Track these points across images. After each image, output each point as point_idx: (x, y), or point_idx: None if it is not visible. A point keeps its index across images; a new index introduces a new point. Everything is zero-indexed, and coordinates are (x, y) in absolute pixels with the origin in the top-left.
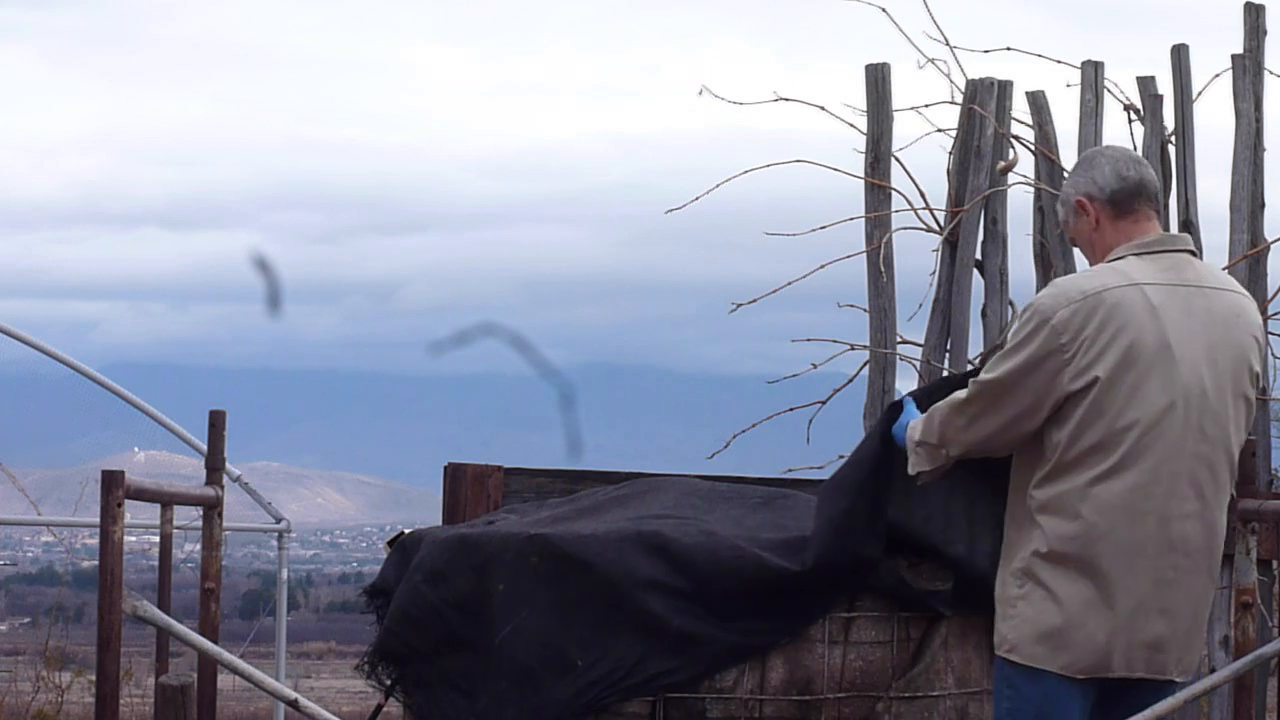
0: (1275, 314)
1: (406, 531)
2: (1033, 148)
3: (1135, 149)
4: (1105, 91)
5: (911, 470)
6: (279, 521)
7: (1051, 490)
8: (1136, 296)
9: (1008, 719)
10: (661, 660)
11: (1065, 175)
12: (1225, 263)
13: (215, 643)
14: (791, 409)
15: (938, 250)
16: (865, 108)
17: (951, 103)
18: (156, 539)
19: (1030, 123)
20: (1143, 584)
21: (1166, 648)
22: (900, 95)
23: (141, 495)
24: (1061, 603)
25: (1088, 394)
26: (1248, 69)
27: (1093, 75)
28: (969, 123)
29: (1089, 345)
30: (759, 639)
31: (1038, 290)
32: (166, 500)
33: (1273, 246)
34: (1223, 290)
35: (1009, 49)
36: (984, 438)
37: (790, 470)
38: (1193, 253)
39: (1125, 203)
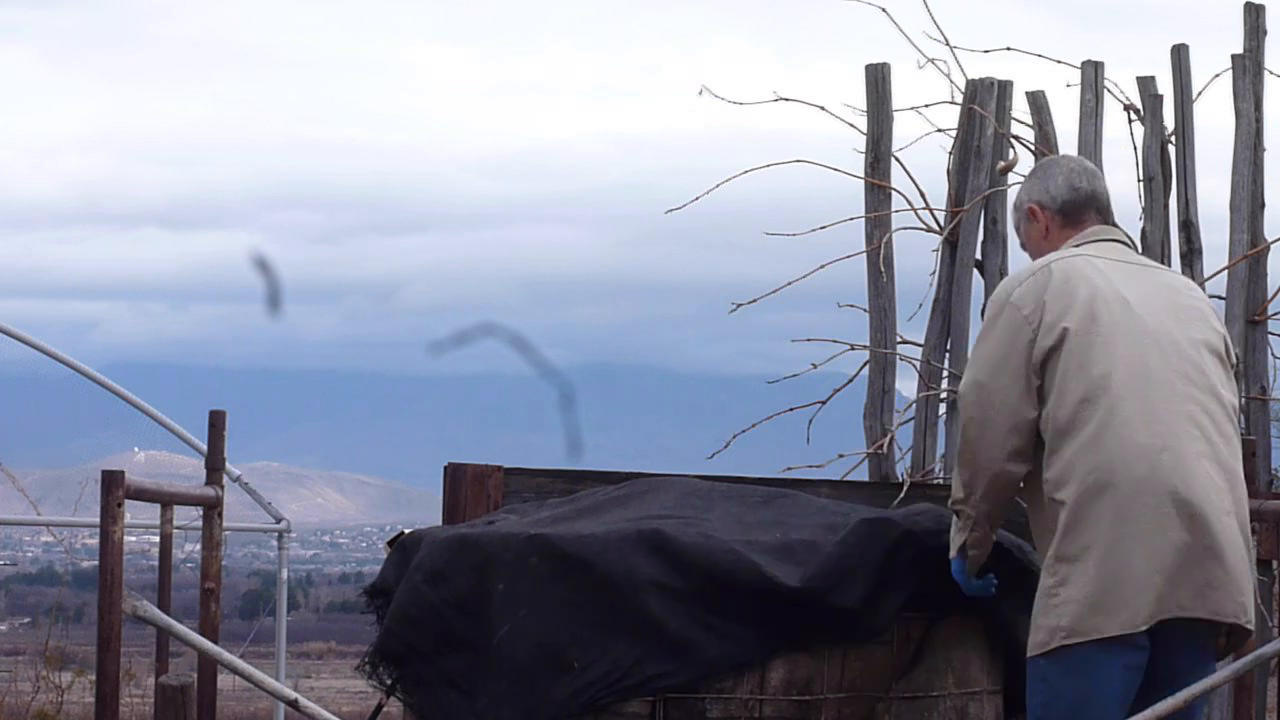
0: (1275, 314)
1: (406, 531)
2: (1033, 148)
3: (1135, 149)
4: (1105, 91)
5: (954, 550)
6: (279, 521)
7: (1059, 462)
8: (1084, 264)
9: (1041, 711)
10: (658, 663)
11: None
12: (1225, 263)
13: (215, 643)
14: (791, 409)
15: (938, 250)
16: (865, 108)
17: (951, 103)
18: (156, 539)
19: (1030, 123)
20: (1174, 521)
21: (1217, 584)
22: (900, 95)
23: (141, 495)
24: (1102, 563)
25: (1061, 348)
26: (1248, 69)
27: (1093, 75)
28: (969, 123)
29: (1051, 305)
30: (752, 651)
31: None
32: (166, 500)
33: (1273, 246)
34: (1165, 270)
35: (1009, 49)
36: (995, 445)
37: (790, 470)
38: (1130, 244)
39: (1074, 213)
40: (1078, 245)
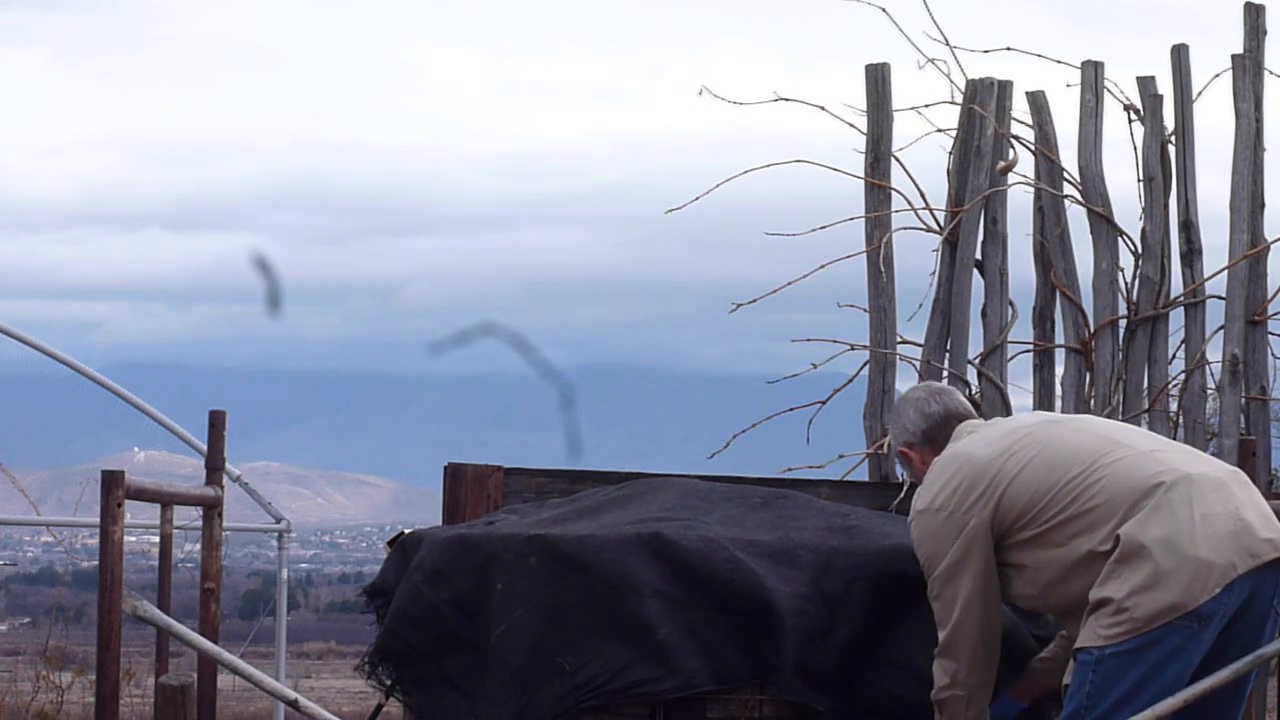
0: (1275, 314)
1: (406, 531)
2: (1033, 148)
3: (1135, 149)
4: (1105, 91)
5: None
6: (279, 521)
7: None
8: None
9: (1125, 704)
10: (643, 668)
11: (1065, 176)
12: (1225, 263)
13: (215, 643)
14: (791, 409)
15: (938, 250)
16: (865, 108)
17: (951, 103)
18: (156, 539)
19: (1030, 123)
20: (1204, 499)
21: (1267, 526)
22: (900, 95)
23: (141, 495)
24: (1155, 555)
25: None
26: (1248, 69)
27: (1093, 75)
28: (969, 123)
29: (970, 490)
30: (737, 670)
31: (1037, 290)
32: (166, 500)
33: (1273, 246)
34: None
35: (1009, 49)
36: (978, 605)
37: (790, 470)
38: None
39: (937, 432)
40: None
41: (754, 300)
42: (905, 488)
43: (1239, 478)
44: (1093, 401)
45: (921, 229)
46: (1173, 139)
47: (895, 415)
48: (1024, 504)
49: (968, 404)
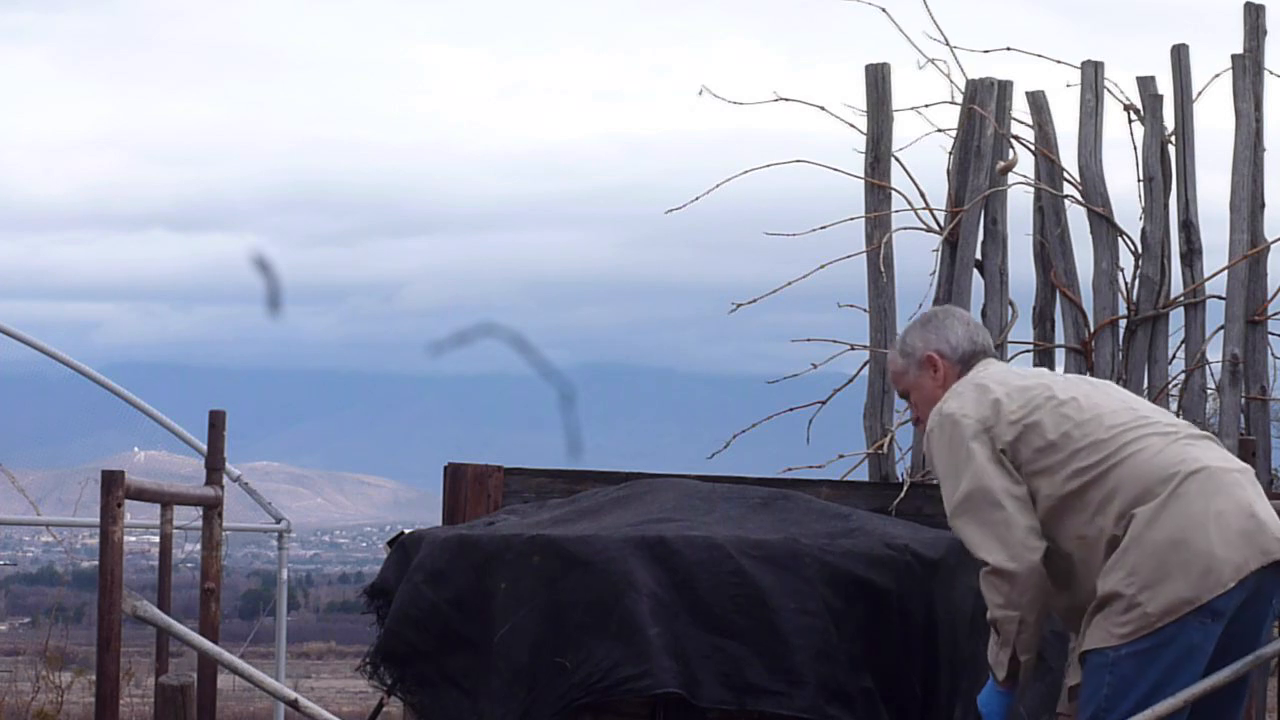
0: (1275, 314)
1: (406, 532)
2: (1033, 148)
3: (1135, 149)
4: (1105, 91)
5: (1001, 662)
6: (279, 521)
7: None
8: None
9: (1145, 703)
10: (630, 666)
11: (1065, 176)
12: (1225, 263)
13: (215, 643)
14: (791, 409)
15: (938, 250)
16: (865, 108)
17: (951, 103)
18: (156, 539)
19: (1030, 123)
20: (1215, 489)
21: (1277, 525)
22: (900, 95)
23: (141, 495)
24: (1167, 548)
25: (1038, 425)
26: (1248, 69)
27: (1093, 75)
28: (969, 123)
29: (1012, 406)
30: (720, 693)
31: (1037, 290)
32: (166, 500)
33: (1273, 246)
34: None
35: (1009, 49)
36: (1018, 526)
37: (790, 470)
38: None
39: (972, 360)
40: (974, 371)
41: (754, 300)
42: (905, 487)
43: (1250, 474)
44: None
45: (921, 229)
46: (1173, 139)
47: (937, 324)
48: (1055, 438)
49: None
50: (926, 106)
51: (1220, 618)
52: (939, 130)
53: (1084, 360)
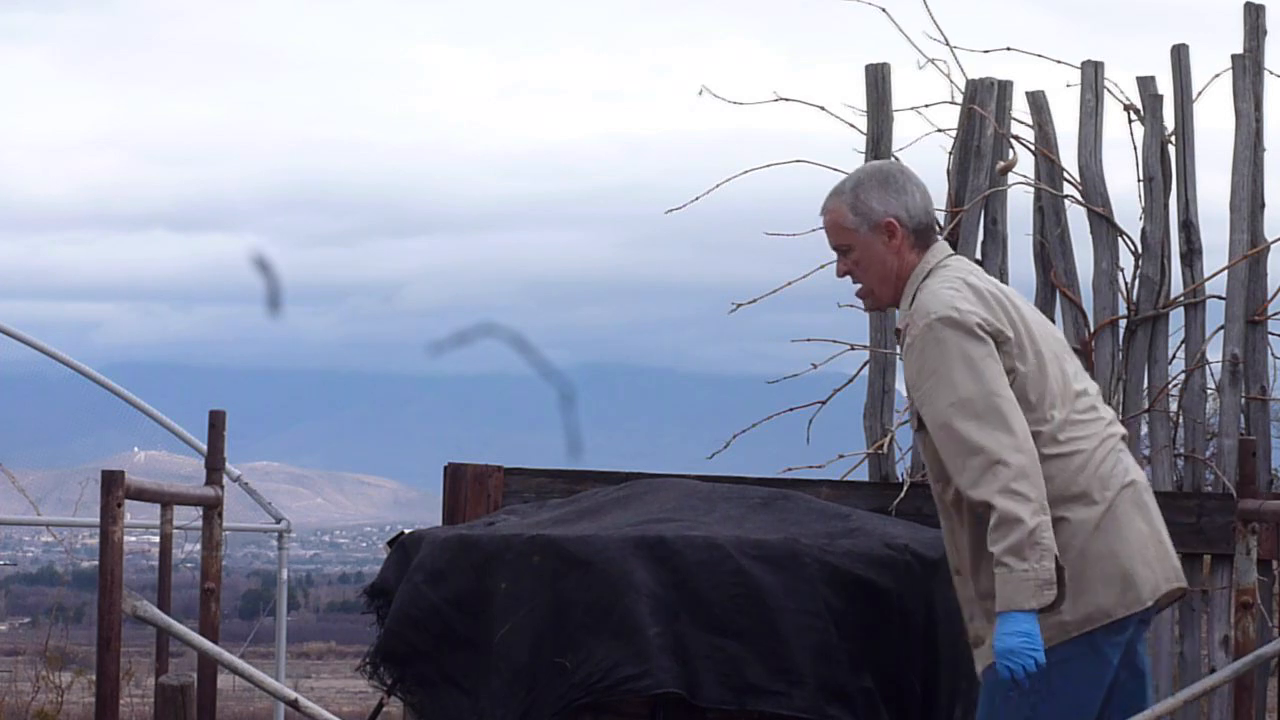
0: (1275, 314)
1: (406, 531)
2: (1033, 148)
3: (1135, 149)
4: (1105, 91)
5: (1049, 575)
6: (279, 521)
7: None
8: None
9: (1058, 715)
10: (629, 666)
11: (1065, 176)
12: (1225, 263)
13: (215, 643)
14: (791, 409)
15: None
16: (865, 108)
17: (951, 103)
18: (156, 539)
19: (1030, 123)
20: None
21: (1173, 554)
22: (900, 95)
23: (141, 495)
24: (1091, 558)
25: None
26: (1248, 69)
27: (1093, 75)
28: (969, 123)
29: (999, 314)
30: (716, 692)
31: (1037, 290)
32: (166, 500)
33: (1273, 246)
34: None
35: (1009, 49)
36: (1021, 424)
37: (790, 470)
38: None
39: (927, 232)
40: (943, 262)
41: (754, 300)
42: (905, 487)
43: (1149, 486)
44: None
45: None
46: (1173, 139)
47: (897, 188)
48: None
49: None
50: (926, 106)
51: (1126, 634)
52: (939, 130)
53: (1084, 360)
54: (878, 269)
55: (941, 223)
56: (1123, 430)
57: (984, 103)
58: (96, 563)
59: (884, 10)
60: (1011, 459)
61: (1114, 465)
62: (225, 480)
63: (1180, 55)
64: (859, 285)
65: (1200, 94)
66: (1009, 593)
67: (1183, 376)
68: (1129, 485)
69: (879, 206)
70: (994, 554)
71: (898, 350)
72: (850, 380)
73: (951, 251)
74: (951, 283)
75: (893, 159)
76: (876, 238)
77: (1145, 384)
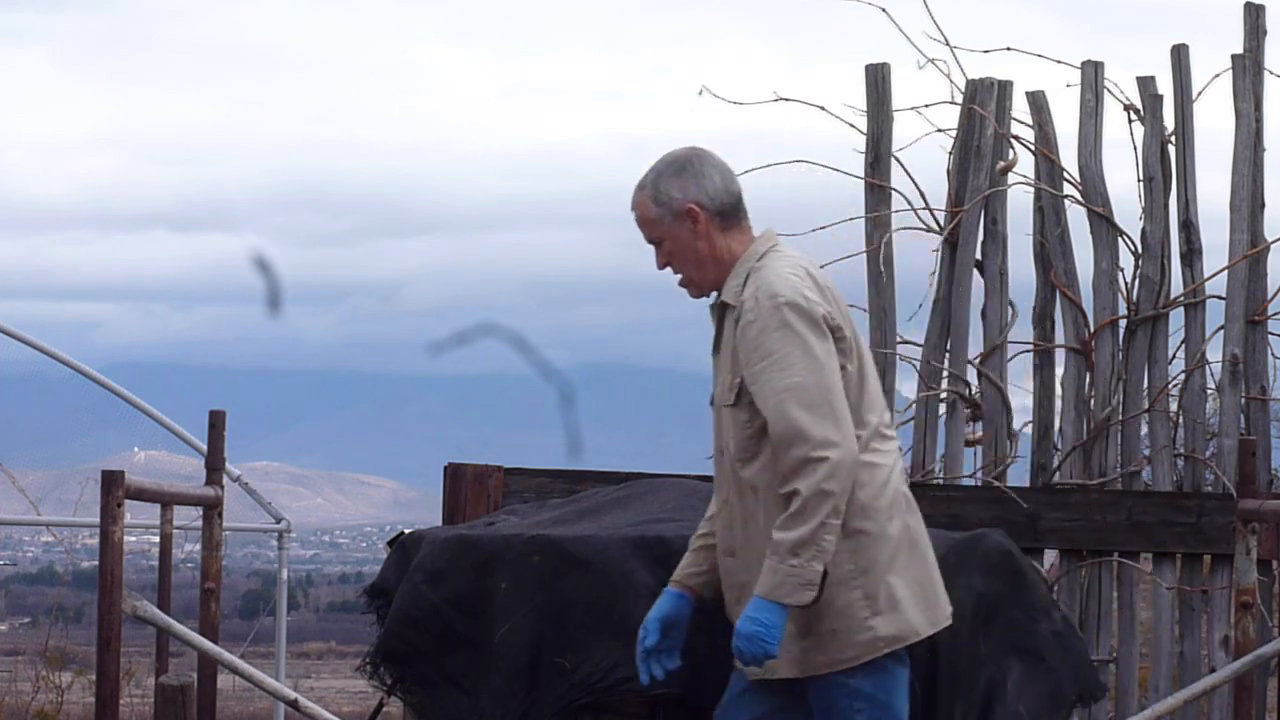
0: (1275, 314)
1: (406, 532)
2: (1033, 148)
3: (1135, 149)
4: (1105, 91)
5: (806, 593)
6: (279, 521)
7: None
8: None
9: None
10: (632, 665)
11: (1065, 176)
12: (1225, 263)
13: (215, 643)
14: None
15: (938, 250)
16: (865, 108)
17: (951, 103)
18: (156, 539)
19: (1030, 123)
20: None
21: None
22: (900, 95)
23: (141, 495)
24: (923, 564)
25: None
26: (1248, 69)
27: (1093, 75)
28: (969, 123)
29: (835, 307)
30: (711, 690)
31: (1037, 290)
32: (166, 500)
33: (1273, 246)
34: None
35: (1009, 49)
36: (848, 420)
37: None
38: None
39: (732, 215)
40: (776, 247)
41: None
42: None
43: None
44: (1093, 401)
45: (921, 229)
46: (1173, 139)
47: (694, 172)
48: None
49: None
50: (926, 106)
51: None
52: (939, 130)
53: (1084, 360)
54: (690, 256)
55: (942, 222)
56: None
57: (984, 103)
58: (96, 563)
59: (884, 10)
60: (833, 454)
61: (905, 489)
62: (225, 480)
63: (1180, 55)
64: (679, 275)
65: (1200, 94)
66: (775, 582)
67: (1183, 376)
68: (912, 502)
69: (679, 195)
70: (775, 538)
71: (714, 338)
72: None
73: (779, 238)
74: (795, 270)
75: (690, 146)
76: (682, 226)
77: (1145, 384)
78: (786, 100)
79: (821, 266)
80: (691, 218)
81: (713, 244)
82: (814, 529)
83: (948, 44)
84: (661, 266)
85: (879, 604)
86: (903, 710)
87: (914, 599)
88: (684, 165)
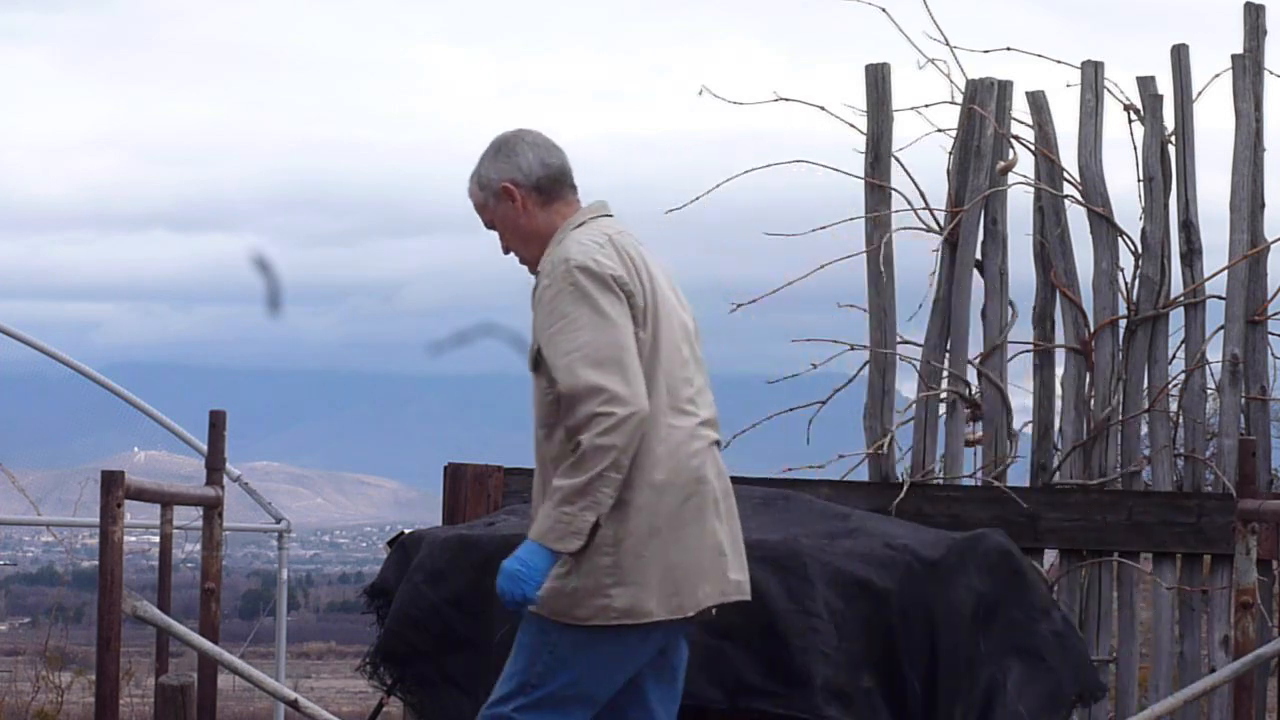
0: (1275, 314)
1: (406, 532)
2: (1033, 148)
3: (1135, 149)
4: (1105, 91)
5: (576, 540)
6: (279, 521)
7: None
8: (629, 238)
9: (546, 680)
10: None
11: (1065, 176)
12: (1225, 263)
13: (215, 643)
14: (791, 409)
15: (938, 250)
16: (865, 108)
17: (951, 103)
18: (156, 539)
19: (1030, 123)
20: (711, 509)
21: (739, 565)
22: (900, 95)
23: (141, 495)
24: (674, 548)
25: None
26: (1248, 69)
27: (1093, 75)
28: (969, 123)
29: (631, 274)
30: (708, 692)
31: (1037, 290)
32: (166, 500)
33: (1273, 246)
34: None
35: (1009, 49)
36: (639, 379)
37: (790, 470)
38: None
39: (552, 189)
40: (595, 218)
41: (754, 300)
42: (905, 487)
43: (730, 493)
44: (1093, 401)
45: (921, 229)
46: (1173, 139)
47: (507, 152)
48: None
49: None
50: (926, 106)
51: (658, 637)
52: (939, 130)
53: (1084, 360)
54: (515, 233)
55: (942, 222)
56: (717, 435)
57: (984, 103)
58: (96, 563)
59: (884, 10)
60: (619, 410)
61: (697, 463)
62: (225, 480)
63: (1180, 55)
64: (515, 255)
65: (1200, 94)
66: (546, 527)
67: (1183, 376)
68: (704, 484)
69: (495, 175)
70: (554, 484)
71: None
72: (850, 380)
73: (608, 213)
74: (596, 236)
75: (515, 128)
76: (502, 204)
77: (1145, 384)
78: (786, 100)
79: (822, 267)
80: (509, 196)
81: (533, 219)
82: (590, 479)
83: (948, 44)
84: (505, 251)
85: (623, 576)
86: (600, 683)
87: (660, 582)
88: (500, 146)
